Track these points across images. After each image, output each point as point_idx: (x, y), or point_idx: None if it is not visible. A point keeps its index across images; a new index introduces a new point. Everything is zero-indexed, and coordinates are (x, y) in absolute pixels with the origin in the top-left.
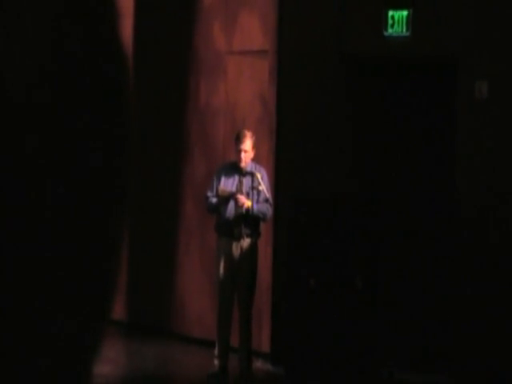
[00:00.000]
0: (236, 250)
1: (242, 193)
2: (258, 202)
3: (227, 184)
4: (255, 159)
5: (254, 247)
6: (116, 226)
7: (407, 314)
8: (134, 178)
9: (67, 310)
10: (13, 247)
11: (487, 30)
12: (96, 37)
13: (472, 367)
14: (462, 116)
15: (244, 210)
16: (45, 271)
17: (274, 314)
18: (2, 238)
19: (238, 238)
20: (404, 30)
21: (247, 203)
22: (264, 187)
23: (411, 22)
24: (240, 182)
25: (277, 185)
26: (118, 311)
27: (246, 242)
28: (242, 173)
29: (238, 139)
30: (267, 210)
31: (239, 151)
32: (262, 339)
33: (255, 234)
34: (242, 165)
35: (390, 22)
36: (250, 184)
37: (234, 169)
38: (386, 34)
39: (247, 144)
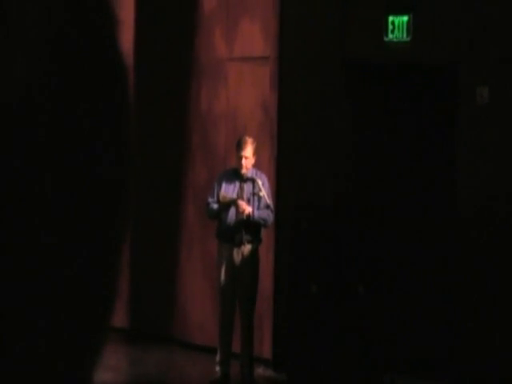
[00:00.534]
0: (237, 256)
1: (242, 199)
2: (258, 208)
3: (228, 190)
4: (256, 165)
5: (255, 253)
6: (117, 229)
7: (409, 320)
8: (135, 184)
9: (67, 315)
10: (11, 251)
11: (488, 35)
12: (95, 40)
13: (473, 374)
14: (462, 121)
15: (245, 216)
16: (44, 276)
17: (276, 320)
18: (1, 240)
19: (239, 244)
20: (404, 35)
21: (248, 209)
22: (265, 193)
23: (412, 27)
24: (241, 188)
25: (278, 191)
26: (120, 318)
27: (247, 248)
28: (242, 179)
29: (239, 145)
30: (268, 216)
31: (240, 157)
32: (264, 345)
33: (256, 240)
34: (243, 171)
35: (390, 27)
36: (251, 190)
37: (235, 175)
38: (386, 39)
39: (248, 150)
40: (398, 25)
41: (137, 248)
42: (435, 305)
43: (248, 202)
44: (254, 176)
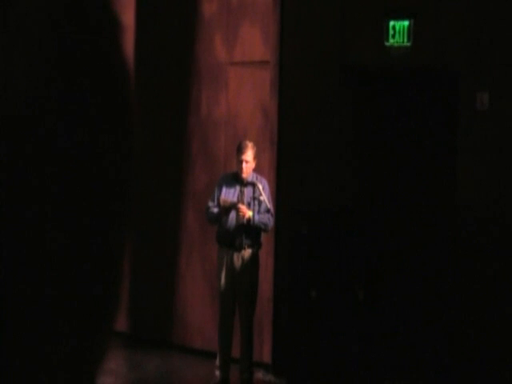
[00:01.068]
0: (237, 261)
1: (243, 203)
2: (259, 212)
3: (228, 194)
4: (256, 170)
5: (255, 258)
6: (121, 230)
7: (409, 325)
8: (134, 189)
9: (70, 321)
10: (13, 254)
11: (488, 40)
12: (98, 44)
13: (474, 380)
14: (462, 126)
15: (245, 221)
16: (47, 278)
17: (276, 325)
18: (2, 244)
19: (239, 249)
20: (405, 40)
21: (248, 214)
22: (265, 197)
23: (412, 32)
24: (241, 193)
25: (278, 195)
26: (120, 323)
27: (247, 252)
28: (243, 183)
29: (240, 149)
30: (268, 220)
31: (240, 161)
32: (264, 350)
33: (256, 245)
34: (244, 175)
35: (391, 32)
36: (251, 194)
37: (235, 179)
38: (387, 44)
39: (248, 154)
40: (399, 30)
41: (137, 252)
42: (435, 309)
43: (248, 206)
44: (255, 180)
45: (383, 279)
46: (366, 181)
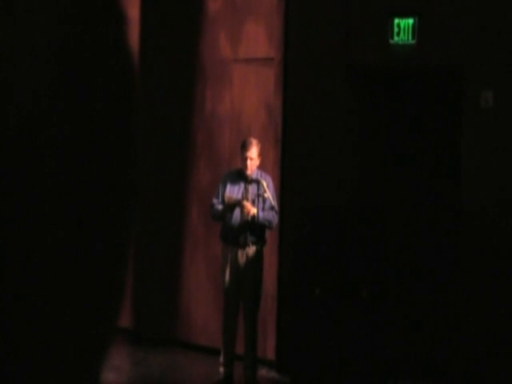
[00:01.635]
0: (241, 258)
1: (247, 200)
2: (263, 209)
3: (233, 191)
4: (261, 167)
5: (259, 255)
6: (126, 228)
7: (413, 324)
8: (139, 186)
9: (74, 314)
10: (16, 249)
11: (493, 39)
12: (104, 41)
13: (476, 380)
14: (467, 125)
15: (249, 218)
16: (51, 274)
17: (280, 322)
18: (5, 241)
19: (244, 246)
20: (410, 38)
21: (253, 211)
22: (270, 195)
23: (417, 30)
24: (246, 190)
25: (282, 193)
26: (124, 319)
27: (251, 249)
28: (247, 180)
29: (244, 147)
30: (273, 217)
31: (245, 159)
32: (268, 347)
33: (261, 242)
34: (248, 172)
35: (395, 30)
36: (256, 191)
37: (240, 176)
38: (391, 42)
39: (253, 151)
40: (404, 27)
41: (141, 249)
42: (439, 308)
43: (253, 203)
44: (259, 177)
45: (387, 278)
46: (371, 178)
